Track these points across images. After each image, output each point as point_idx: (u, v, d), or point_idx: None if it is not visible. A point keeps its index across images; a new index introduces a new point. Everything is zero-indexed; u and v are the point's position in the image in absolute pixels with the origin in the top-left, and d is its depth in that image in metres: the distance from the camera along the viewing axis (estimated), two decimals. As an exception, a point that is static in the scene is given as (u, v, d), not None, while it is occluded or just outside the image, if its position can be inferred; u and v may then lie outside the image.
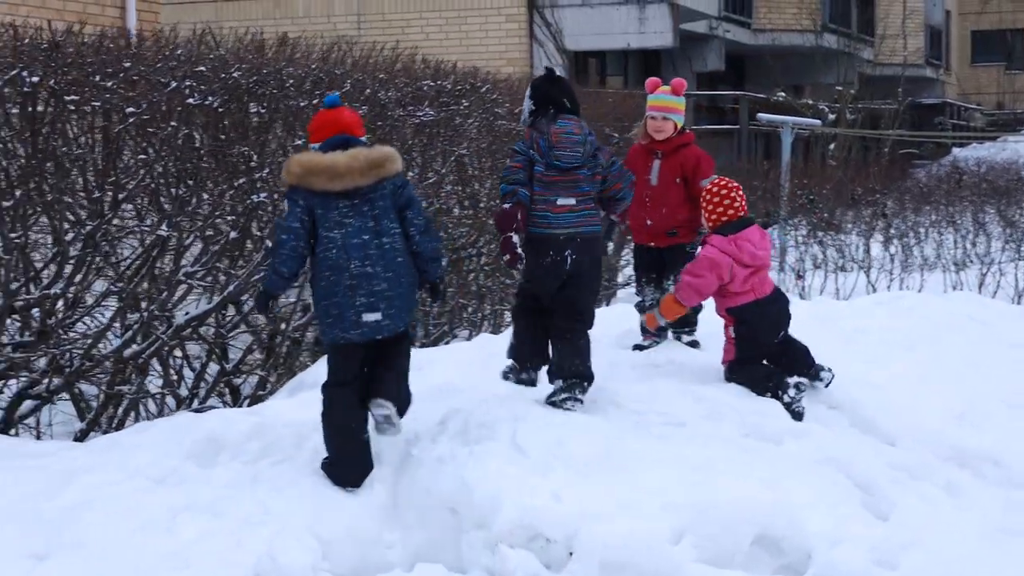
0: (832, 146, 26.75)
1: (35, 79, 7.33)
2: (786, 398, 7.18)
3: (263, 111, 8.71)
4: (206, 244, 8.53)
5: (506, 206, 6.85)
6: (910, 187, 16.86)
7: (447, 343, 10.37)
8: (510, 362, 7.25)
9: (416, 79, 10.19)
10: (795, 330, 8.05)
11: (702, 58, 31.43)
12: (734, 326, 7.46)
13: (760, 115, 19.50)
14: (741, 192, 7.59)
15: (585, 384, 6.80)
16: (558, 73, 7.45)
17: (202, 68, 8.05)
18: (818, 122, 22.14)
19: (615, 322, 8.32)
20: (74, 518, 5.78)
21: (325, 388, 6.29)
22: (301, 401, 7.36)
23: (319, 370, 8.15)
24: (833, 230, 16.45)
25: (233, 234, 8.61)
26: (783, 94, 28.28)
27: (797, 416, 7.15)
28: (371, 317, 6.14)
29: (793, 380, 7.25)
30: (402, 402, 6.30)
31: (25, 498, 5.86)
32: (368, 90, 9.37)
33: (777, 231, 16.80)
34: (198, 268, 8.50)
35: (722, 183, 7.60)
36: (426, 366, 7.47)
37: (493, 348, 8.15)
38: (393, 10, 27.41)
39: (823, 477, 6.36)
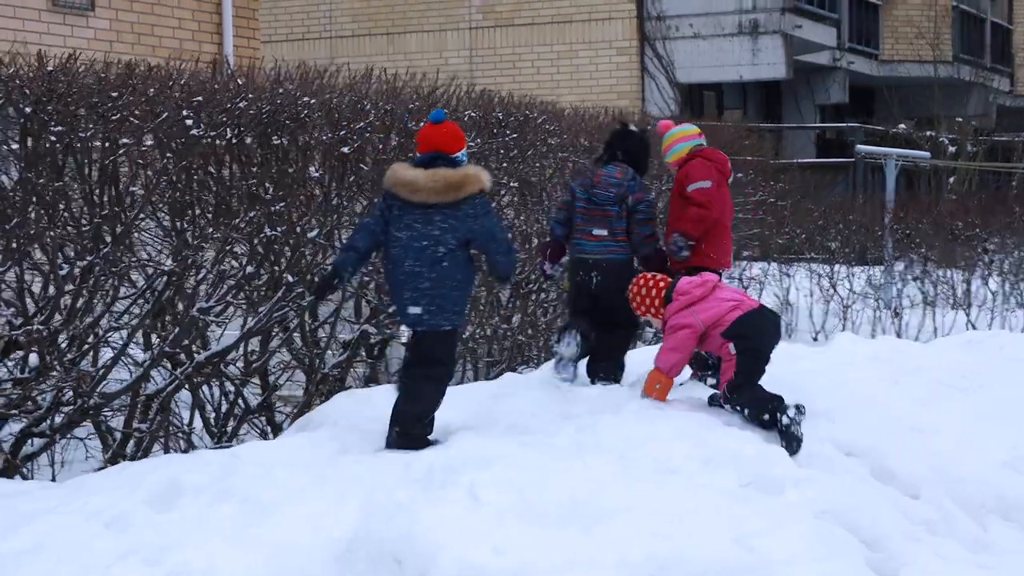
0: (952, 180, 25.85)
1: (28, 109, 7.19)
2: (784, 419, 6.81)
3: (285, 142, 8.47)
4: (220, 278, 8.30)
5: (545, 239, 8.89)
6: (1013, 223, 16.06)
7: (493, 377, 10.04)
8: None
9: (459, 109, 9.86)
10: (846, 368, 7.87)
11: (824, 90, 30.74)
12: (733, 343, 7.21)
13: (859, 147, 18.87)
14: (648, 285, 7.67)
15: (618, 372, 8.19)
16: (632, 127, 8.75)
17: (199, 98, 7.82)
18: (926, 155, 21.32)
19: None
20: (19, 563, 5.55)
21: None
22: (294, 441, 7.09)
23: (329, 409, 7.89)
24: (934, 266, 15.77)
25: (249, 268, 8.38)
26: (903, 126, 27.42)
27: (794, 440, 6.74)
28: (414, 310, 7.03)
29: (794, 403, 6.88)
30: (414, 401, 6.98)
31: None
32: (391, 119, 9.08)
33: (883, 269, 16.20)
34: (213, 303, 8.29)
35: (637, 285, 7.77)
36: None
37: (510, 387, 7.83)
38: (504, 45, 27.22)
39: (817, 531, 5.86)
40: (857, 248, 15.78)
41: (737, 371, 7.09)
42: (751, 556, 5.39)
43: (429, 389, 6.99)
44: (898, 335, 15.46)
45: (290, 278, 8.59)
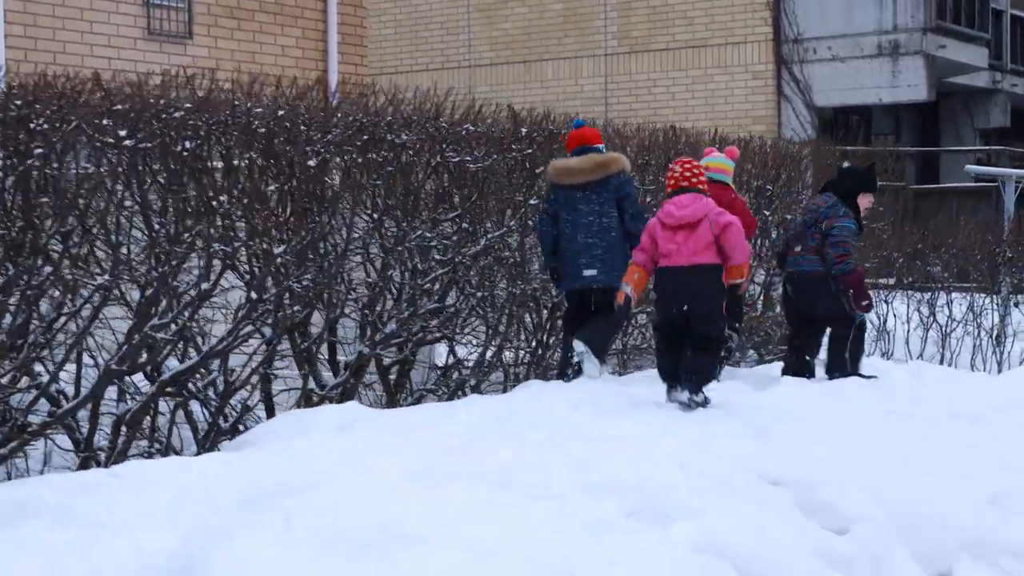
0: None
1: None
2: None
3: (243, 157, 8.22)
4: (175, 295, 8.07)
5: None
6: None
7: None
8: None
9: (456, 123, 9.49)
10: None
11: (984, 113, 29.49)
12: None
13: (968, 167, 17.88)
14: (680, 168, 8.60)
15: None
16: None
17: (120, 106, 7.60)
18: (1057, 177, 20.15)
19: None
20: None
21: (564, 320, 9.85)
22: (191, 461, 6.75)
23: (274, 426, 7.59)
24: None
25: (205, 285, 8.14)
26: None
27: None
28: (589, 272, 9.20)
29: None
30: (594, 344, 8.95)
31: None
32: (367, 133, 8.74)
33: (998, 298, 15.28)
34: (167, 321, 8.05)
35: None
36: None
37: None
38: (639, 70, 26.78)
39: (689, 567, 5.31)
40: (956, 273, 14.88)
41: None
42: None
43: (610, 328, 9.26)
44: (999, 364, 14.57)
45: (253, 295, 8.33)
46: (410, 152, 9.09)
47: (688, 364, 8.14)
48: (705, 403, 8.03)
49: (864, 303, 9.99)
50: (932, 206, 23.34)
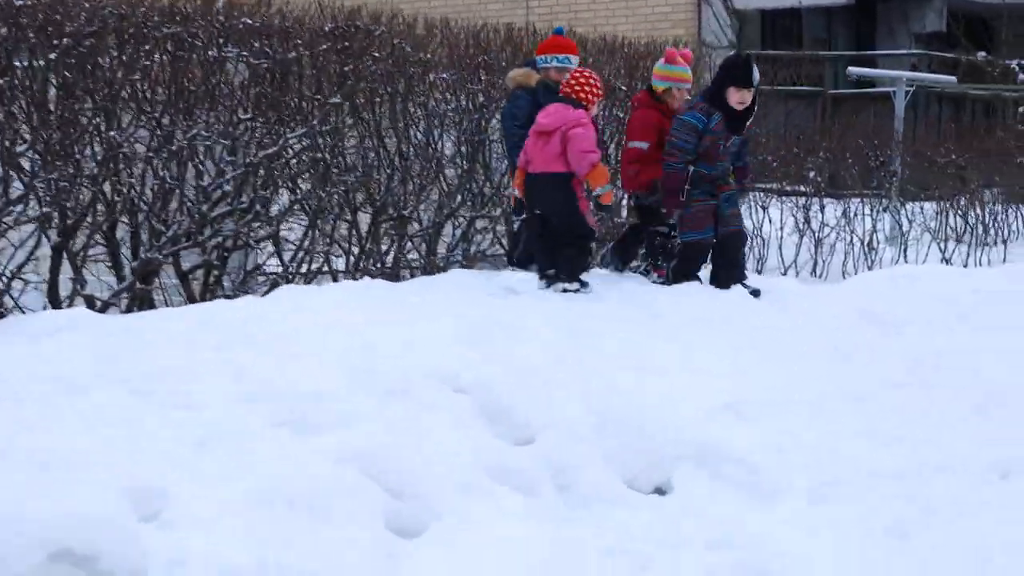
0: (1022, 110, 23.98)
1: None
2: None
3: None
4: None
5: None
6: (991, 152, 14.50)
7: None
8: None
9: (233, 18, 9.02)
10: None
11: (920, 18, 28.88)
12: None
13: (851, 69, 17.35)
14: (571, 77, 8.92)
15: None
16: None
17: None
18: (952, 80, 19.57)
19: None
20: None
21: None
22: None
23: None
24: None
25: None
26: (982, 54, 25.53)
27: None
28: None
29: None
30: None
31: None
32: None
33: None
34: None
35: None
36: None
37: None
38: (561, -29, 26.18)
39: (328, 477, 4.98)
40: (828, 178, 14.48)
41: None
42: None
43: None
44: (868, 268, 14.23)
45: None
46: (179, 47, 8.63)
47: (558, 259, 8.73)
48: (579, 290, 8.56)
49: (671, 208, 9.25)
50: (849, 110, 22.96)
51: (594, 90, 8.86)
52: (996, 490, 6.54)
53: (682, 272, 9.23)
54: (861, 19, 29.21)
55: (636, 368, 6.80)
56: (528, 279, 8.84)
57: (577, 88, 8.82)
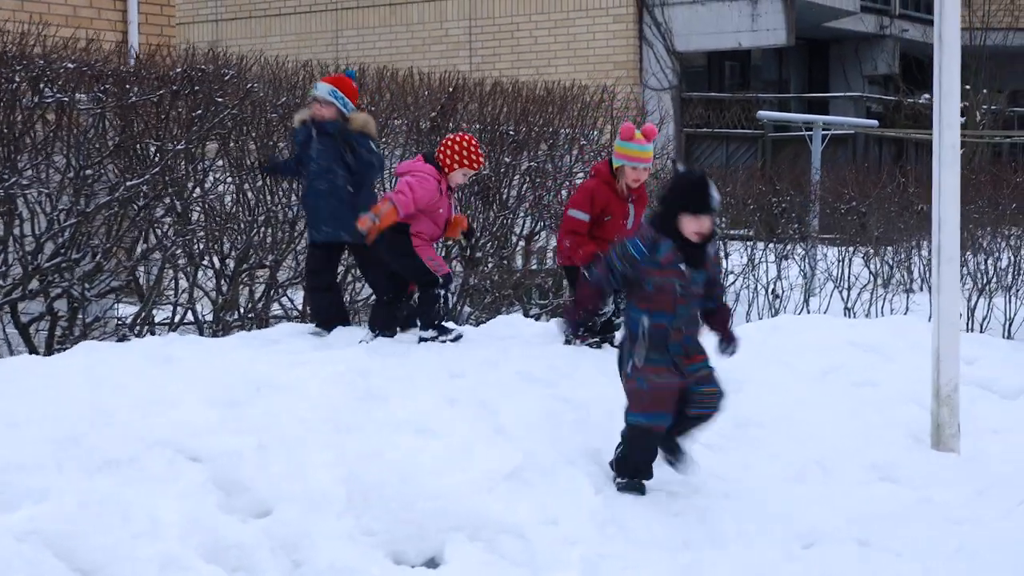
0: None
1: None
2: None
3: None
4: None
5: None
6: (889, 194, 14.18)
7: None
8: None
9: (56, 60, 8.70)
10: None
11: (871, 59, 28.73)
12: None
13: (761, 113, 17.09)
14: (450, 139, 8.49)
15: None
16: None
17: None
18: (873, 123, 19.34)
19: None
20: None
21: None
22: None
23: None
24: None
25: None
26: (927, 97, 25.26)
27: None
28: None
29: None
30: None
31: None
32: None
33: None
34: None
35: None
36: None
37: None
38: (503, 13, 26.00)
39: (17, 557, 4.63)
40: (730, 222, 14.17)
41: None
42: None
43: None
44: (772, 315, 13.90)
45: None
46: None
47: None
48: (435, 337, 8.30)
49: (577, 311, 7.19)
50: (789, 154, 22.71)
51: (460, 156, 8.34)
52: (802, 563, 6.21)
53: (629, 466, 6.74)
54: (813, 61, 29.07)
55: (418, 432, 6.44)
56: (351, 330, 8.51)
57: (443, 149, 8.37)
